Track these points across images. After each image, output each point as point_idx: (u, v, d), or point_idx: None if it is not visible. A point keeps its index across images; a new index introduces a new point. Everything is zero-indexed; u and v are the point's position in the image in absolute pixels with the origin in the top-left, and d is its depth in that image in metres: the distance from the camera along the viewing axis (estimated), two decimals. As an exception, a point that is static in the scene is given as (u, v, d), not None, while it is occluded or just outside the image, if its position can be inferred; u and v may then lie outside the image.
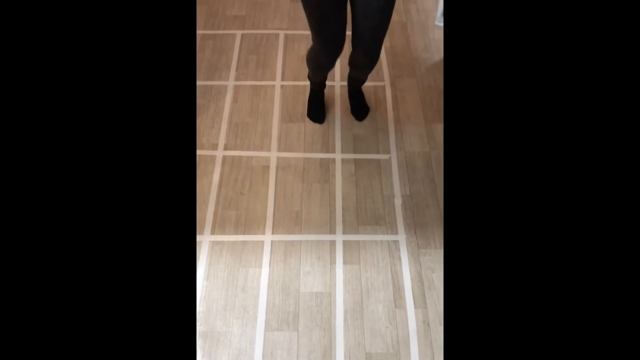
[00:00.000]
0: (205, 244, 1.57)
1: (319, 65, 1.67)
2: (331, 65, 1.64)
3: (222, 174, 1.74)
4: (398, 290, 1.48)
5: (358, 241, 1.58)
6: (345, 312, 1.44)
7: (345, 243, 1.58)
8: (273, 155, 1.80)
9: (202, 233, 1.59)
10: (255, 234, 1.60)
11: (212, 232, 1.59)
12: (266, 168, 1.76)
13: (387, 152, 1.82)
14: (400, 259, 1.54)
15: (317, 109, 1.91)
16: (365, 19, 1.38)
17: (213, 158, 1.79)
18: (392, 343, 1.38)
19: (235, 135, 1.85)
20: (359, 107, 1.92)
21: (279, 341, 1.38)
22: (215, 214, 1.64)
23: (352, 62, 1.66)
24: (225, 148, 1.82)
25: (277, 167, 1.76)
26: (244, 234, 1.59)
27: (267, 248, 1.56)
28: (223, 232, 1.59)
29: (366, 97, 1.97)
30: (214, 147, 1.82)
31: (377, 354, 1.36)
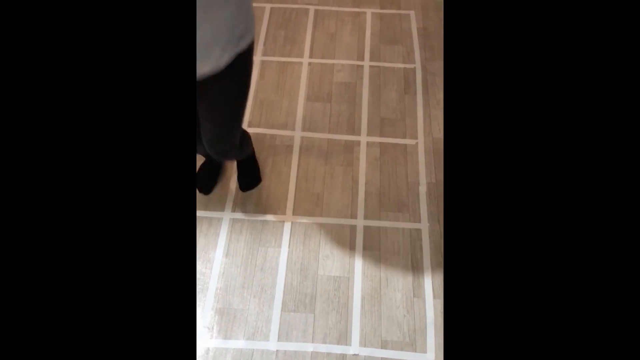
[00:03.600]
0: (226, 221, 1.56)
1: None
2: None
3: (245, 151, 1.72)
4: (418, 279, 1.46)
5: (379, 227, 1.56)
6: (363, 298, 1.42)
7: (366, 228, 1.56)
8: (297, 134, 1.77)
9: (223, 210, 1.58)
10: (275, 214, 1.59)
11: (233, 210, 1.59)
12: (289, 147, 1.74)
13: (414, 137, 1.77)
14: (421, 248, 1.52)
15: (207, 176, 1.62)
16: (204, 122, 1.14)
17: (237, 134, 1.77)
18: (408, 332, 1.37)
19: (260, 113, 1.82)
20: (243, 175, 1.62)
21: (294, 322, 1.38)
22: (237, 192, 1.63)
23: None
24: (250, 125, 1.79)
25: (300, 147, 1.74)
26: (264, 213, 1.58)
27: (287, 229, 1.55)
28: (244, 210, 1.59)
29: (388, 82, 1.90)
30: (238, 123, 1.80)
31: (392, 342, 1.35)
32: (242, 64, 1.01)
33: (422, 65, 1.98)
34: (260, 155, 1.71)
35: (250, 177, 1.62)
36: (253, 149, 1.60)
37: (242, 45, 0.98)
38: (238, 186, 1.62)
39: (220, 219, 1.57)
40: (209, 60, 0.92)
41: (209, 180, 1.62)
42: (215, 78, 0.97)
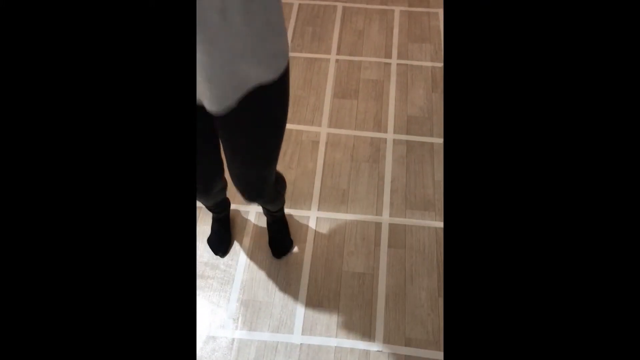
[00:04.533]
0: (252, 214, 1.58)
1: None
2: (207, 196, 1.21)
3: (271, 146, 1.74)
4: (442, 278, 1.45)
5: (404, 225, 1.55)
6: (387, 295, 1.42)
7: (391, 226, 1.55)
8: (323, 130, 1.77)
9: (248, 203, 1.60)
10: (301, 208, 1.59)
11: (259, 203, 1.60)
12: (316, 143, 1.74)
13: (441, 136, 1.75)
14: (447, 247, 1.51)
15: (218, 238, 1.50)
16: (233, 156, 1.01)
17: (263, 129, 1.78)
18: (432, 331, 1.36)
19: (286, 108, 1.83)
20: (278, 241, 1.50)
21: (318, 317, 1.39)
22: (263, 186, 1.64)
23: None
24: (276, 120, 1.80)
25: (326, 144, 1.74)
26: (290, 207, 1.59)
27: (312, 224, 1.56)
28: (270, 204, 1.60)
29: (411, 82, 1.89)
30: (265, 118, 1.81)
31: (416, 340, 1.35)
32: (286, 80, 0.89)
33: (450, 63, 1.96)
34: (287, 150, 1.72)
35: (285, 241, 1.50)
36: (284, 201, 1.44)
37: (287, 59, 0.86)
38: (272, 253, 1.49)
39: (247, 212, 1.58)
40: (260, 66, 0.81)
41: (223, 242, 1.50)
42: (263, 91, 0.85)
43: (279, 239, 1.50)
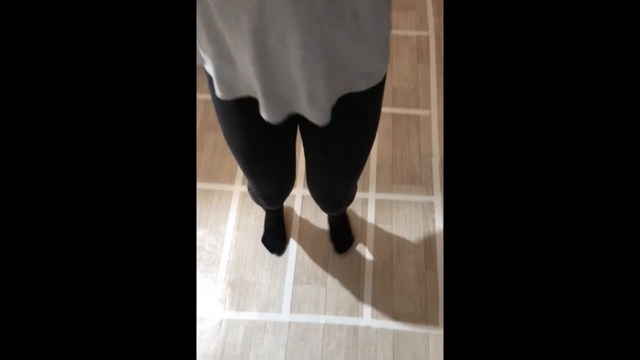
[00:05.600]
0: (236, 194, 1.55)
1: (261, 205, 1.28)
2: (277, 206, 1.28)
3: (254, 123, 1.69)
4: (430, 252, 1.45)
5: (391, 200, 1.54)
6: (375, 271, 1.42)
7: (377, 202, 1.54)
8: (307, 105, 1.73)
9: (233, 183, 1.57)
10: (286, 186, 1.57)
11: (243, 183, 1.57)
12: (300, 119, 1.70)
13: (428, 108, 1.72)
14: (434, 220, 1.50)
15: (274, 237, 1.46)
16: (319, 166, 0.95)
17: (245, 106, 1.73)
18: (420, 304, 1.37)
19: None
20: (340, 237, 1.45)
21: (306, 295, 1.39)
22: (246, 164, 1.61)
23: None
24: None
25: (311, 119, 1.70)
26: (275, 186, 1.57)
27: (297, 202, 1.54)
28: (254, 183, 1.57)
29: (408, 53, 1.84)
30: (247, 94, 1.76)
31: (404, 314, 1.35)
32: (382, 89, 0.82)
33: (436, 32, 1.91)
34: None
35: (347, 237, 1.45)
36: None
37: (386, 64, 0.79)
38: (333, 248, 1.45)
39: (230, 192, 1.56)
40: (362, 78, 0.74)
41: (279, 237, 1.46)
42: (366, 97, 0.78)
43: (341, 235, 1.45)
